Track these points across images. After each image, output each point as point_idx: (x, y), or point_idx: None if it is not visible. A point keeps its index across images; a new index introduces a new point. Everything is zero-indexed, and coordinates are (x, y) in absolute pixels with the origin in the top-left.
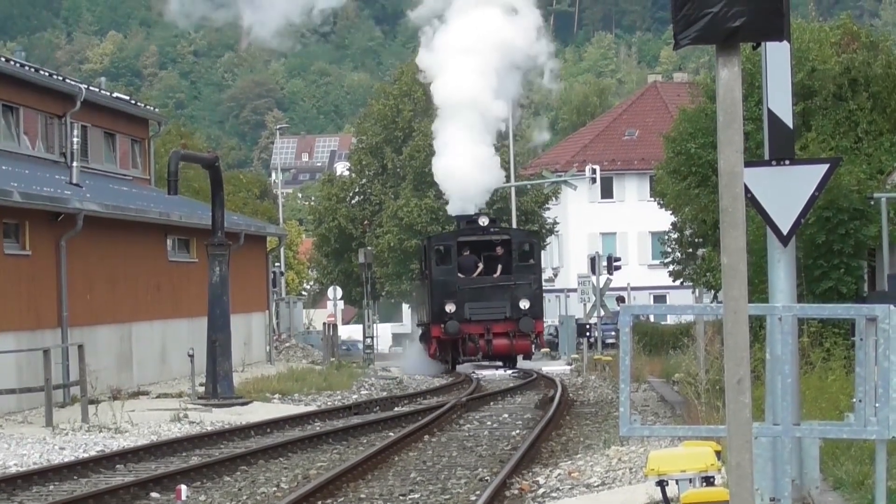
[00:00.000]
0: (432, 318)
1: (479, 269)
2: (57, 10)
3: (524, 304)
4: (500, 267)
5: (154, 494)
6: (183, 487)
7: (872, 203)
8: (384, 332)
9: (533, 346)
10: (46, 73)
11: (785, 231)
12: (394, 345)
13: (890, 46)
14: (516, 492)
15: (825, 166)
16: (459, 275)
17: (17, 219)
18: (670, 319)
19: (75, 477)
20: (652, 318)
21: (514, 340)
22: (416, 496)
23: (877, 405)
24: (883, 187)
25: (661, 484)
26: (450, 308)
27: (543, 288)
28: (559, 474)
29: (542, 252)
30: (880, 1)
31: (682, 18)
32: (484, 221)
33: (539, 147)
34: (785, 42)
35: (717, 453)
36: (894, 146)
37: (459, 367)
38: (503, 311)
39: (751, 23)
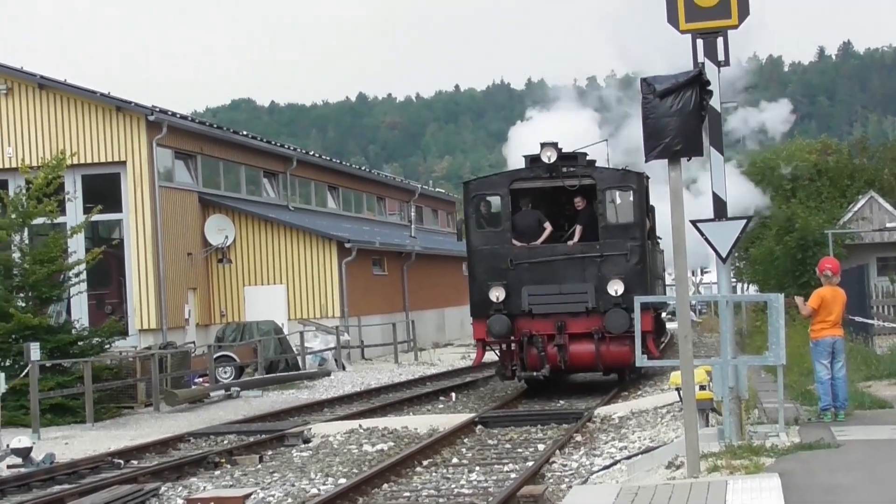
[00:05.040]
0: (473, 310)
1: (545, 233)
2: (419, 144)
3: (616, 289)
4: (578, 229)
5: (441, 398)
6: (453, 394)
7: (828, 235)
8: None
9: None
10: (399, 179)
11: (724, 255)
12: None
13: (840, 149)
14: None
15: (743, 221)
16: (514, 242)
17: (380, 256)
18: None
19: (404, 388)
20: None
21: (603, 346)
22: None
23: (773, 346)
24: (832, 228)
25: (678, 390)
26: (497, 295)
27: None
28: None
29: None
30: (851, 125)
31: (647, 145)
32: (551, 156)
33: None
34: (719, 155)
35: (709, 373)
36: (840, 205)
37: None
38: (583, 299)
39: (684, 147)
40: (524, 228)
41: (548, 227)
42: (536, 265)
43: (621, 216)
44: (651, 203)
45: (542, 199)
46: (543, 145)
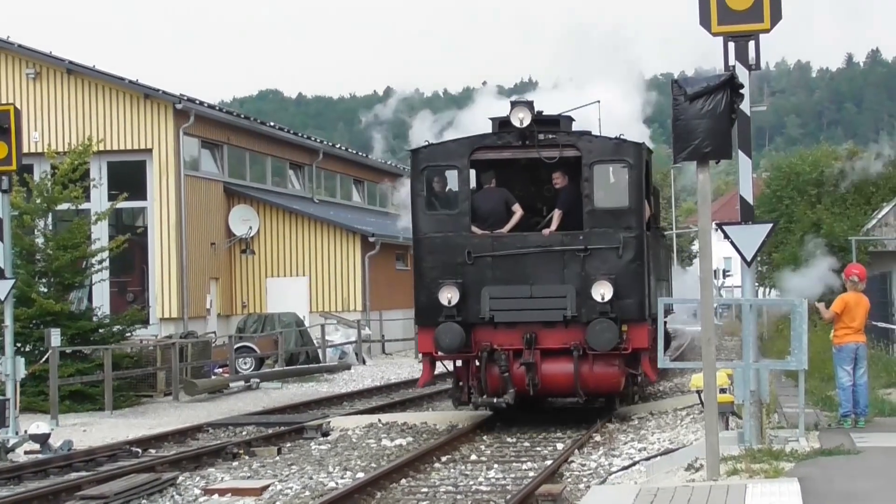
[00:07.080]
0: (418, 316)
1: (514, 219)
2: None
3: (603, 293)
4: (557, 214)
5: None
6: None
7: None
8: None
9: (626, 376)
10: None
11: (748, 258)
12: None
13: (865, 157)
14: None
15: (769, 225)
16: (474, 229)
17: (403, 250)
18: None
19: None
20: None
21: (584, 366)
22: None
23: (795, 350)
24: (856, 234)
25: (699, 392)
26: (449, 297)
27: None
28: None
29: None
30: (878, 132)
31: (676, 147)
32: (524, 118)
33: None
34: (748, 159)
35: (730, 376)
36: (865, 212)
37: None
38: (560, 304)
39: (714, 150)
40: (487, 212)
41: (517, 210)
42: (501, 260)
43: (613, 199)
44: (654, 185)
45: (511, 175)
46: (514, 104)
